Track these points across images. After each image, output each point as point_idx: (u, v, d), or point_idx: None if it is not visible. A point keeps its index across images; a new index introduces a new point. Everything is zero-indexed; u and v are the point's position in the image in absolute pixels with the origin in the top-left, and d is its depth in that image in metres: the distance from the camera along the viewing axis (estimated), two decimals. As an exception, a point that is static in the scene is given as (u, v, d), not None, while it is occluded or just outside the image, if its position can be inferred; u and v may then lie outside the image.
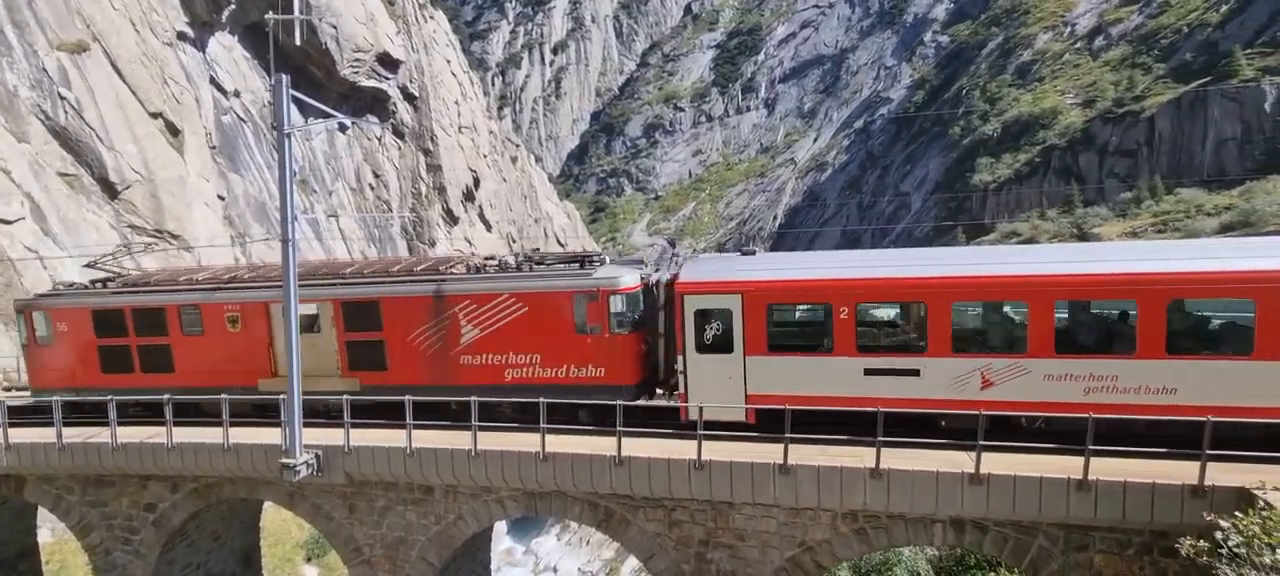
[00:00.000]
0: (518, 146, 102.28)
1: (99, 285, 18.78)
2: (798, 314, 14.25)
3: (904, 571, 19.60)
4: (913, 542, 13.24)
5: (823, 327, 13.06)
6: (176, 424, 15.73)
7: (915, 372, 12.43)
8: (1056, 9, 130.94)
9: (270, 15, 15.86)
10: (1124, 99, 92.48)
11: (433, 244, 61.07)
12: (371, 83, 58.91)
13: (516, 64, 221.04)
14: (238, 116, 49.45)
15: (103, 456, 15.73)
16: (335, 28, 54.39)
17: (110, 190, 36.07)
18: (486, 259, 17.12)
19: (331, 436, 14.73)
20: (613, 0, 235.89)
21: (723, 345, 13.38)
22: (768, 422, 12.91)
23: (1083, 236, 71.66)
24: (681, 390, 13.79)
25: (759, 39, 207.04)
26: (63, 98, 34.89)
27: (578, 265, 15.31)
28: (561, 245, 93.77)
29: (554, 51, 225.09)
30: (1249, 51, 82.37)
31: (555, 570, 41.82)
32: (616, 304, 14.30)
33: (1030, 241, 72.21)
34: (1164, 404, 11.19)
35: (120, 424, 15.86)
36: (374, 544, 15.24)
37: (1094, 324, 12.41)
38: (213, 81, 47.65)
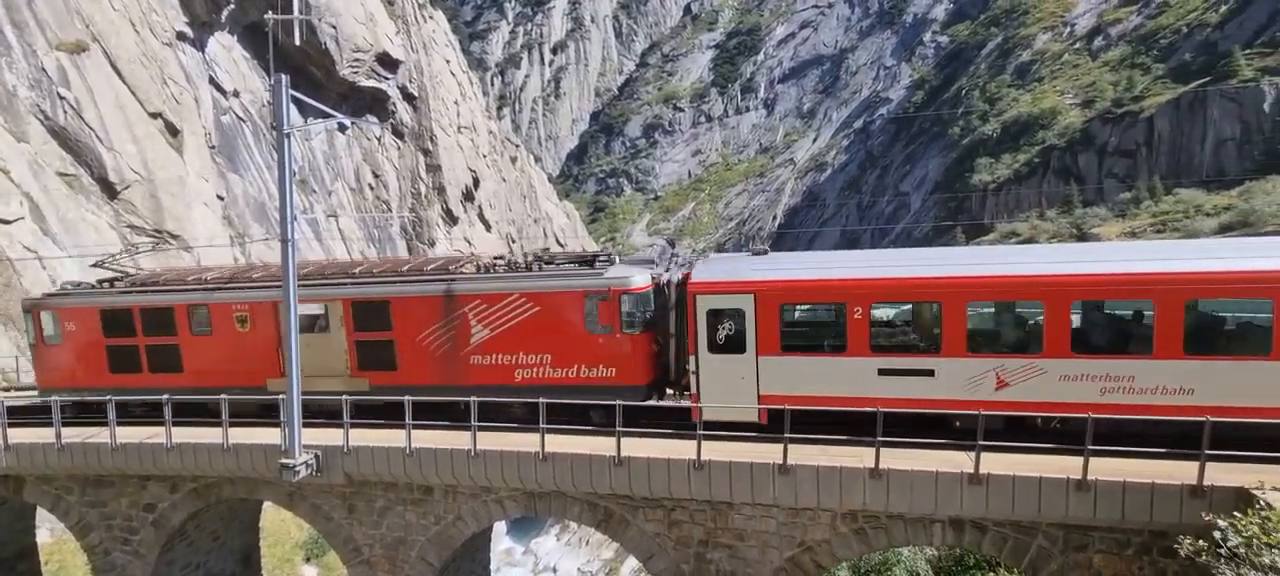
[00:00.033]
0: (517, 146, 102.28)
1: (106, 284, 18.74)
2: (811, 314, 14.18)
3: (903, 571, 19.61)
4: (912, 542, 13.19)
5: (836, 328, 12.99)
6: (186, 424, 15.73)
7: (930, 373, 12.35)
8: (1056, 9, 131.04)
9: (269, 15, 15.83)
10: (1123, 99, 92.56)
11: (432, 244, 61.06)
12: (371, 83, 58.91)
13: (516, 64, 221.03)
14: (237, 116, 49.43)
15: (102, 456, 15.71)
16: (335, 28, 54.39)
17: (109, 190, 36.06)
18: (496, 258, 17.03)
19: (331, 436, 14.72)
20: (612, 0, 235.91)
21: (735, 345, 13.30)
22: (780, 423, 12.79)
23: (1082, 237, 71.68)
24: (693, 391, 13.72)
25: (758, 39, 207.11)
26: (62, 97, 34.87)
27: (588, 265, 15.24)
28: (561, 245, 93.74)
29: (553, 51, 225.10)
30: (1248, 52, 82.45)
31: (555, 570, 41.81)
32: (628, 304, 14.22)
33: (1029, 241, 72.25)
34: (1181, 404, 11.09)
35: (127, 423, 15.84)
36: (373, 544, 15.22)
37: (1111, 324, 12.31)
38: (212, 81, 47.64)
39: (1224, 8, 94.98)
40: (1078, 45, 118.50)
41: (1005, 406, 11.68)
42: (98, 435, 16.00)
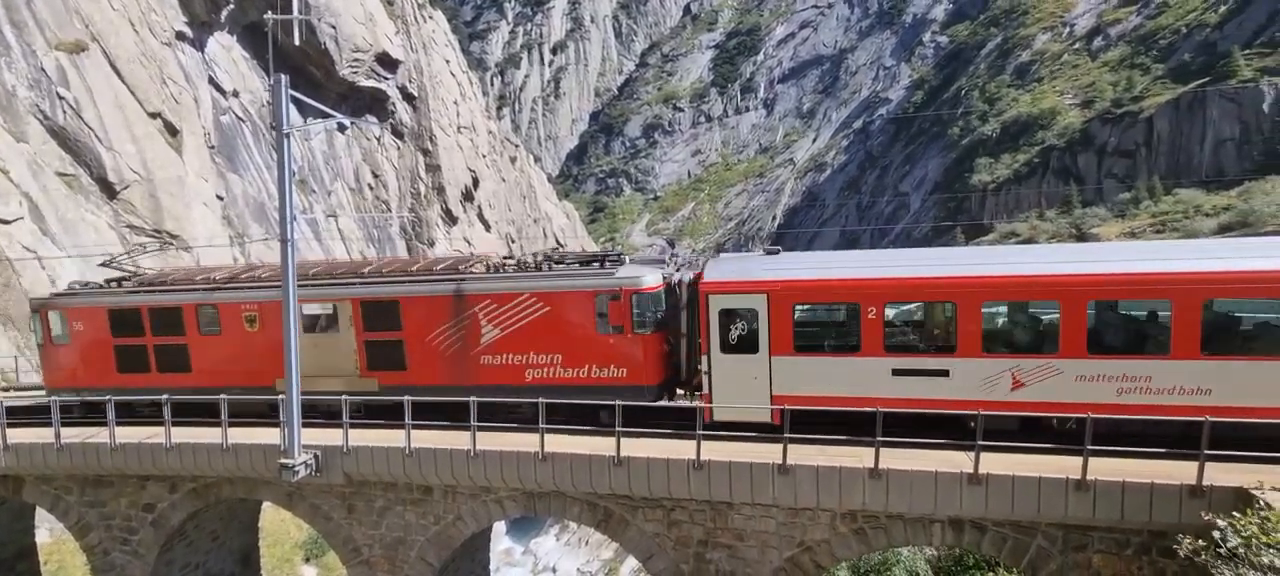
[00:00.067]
0: (517, 146, 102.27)
1: (114, 284, 18.69)
2: (825, 314, 14.13)
3: (903, 571, 19.60)
4: (911, 542, 13.21)
5: (850, 328, 12.96)
6: (195, 424, 15.71)
7: (944, 373, 12.30)
8: (1055, 9, 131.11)
9: (269, 15, 15.82)
10: (1122, 99, 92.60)
11: (432, 244, 61.05)
12: (370, 83, 58.89)
13: (515, 64, 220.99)
14: (236, 116, 49.41)
15: (101, 456, 15.70)
16: (334, 28, 54.37)
17: (109, 190, 36.05)
18: (505, 258, 16.97)
19: (330, 436, 14.71)
20: (612, 0, 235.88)
21: (748, 345, 13.23)
22: (792, 423, 12.74)
23: (1082, 237, 71.71)
24: (705, 391, 13.68)
25: (758, 39, 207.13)
26: (61, 97, 34.86)
27: (599, 264, 15.19)
28: (560, 245, 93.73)
29: (553, 52, 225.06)
30: (1247, 52, 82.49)
31: (554, 570, 41.80)
32: (639, 303, 14.16)
33: (1029, 241, 72.24)
34: (1198, 405, 11.01)
35: (134, 423, 15.79)
36: (373, 544, 15.22)
37: (1127, 324, 12.24)
38: (211, 81, 47.62)
39: (1223, 8, 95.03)
40: (1077, 45, 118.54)
41: (1021, 407, 11.61)
42: (97, 435, 15.99)
